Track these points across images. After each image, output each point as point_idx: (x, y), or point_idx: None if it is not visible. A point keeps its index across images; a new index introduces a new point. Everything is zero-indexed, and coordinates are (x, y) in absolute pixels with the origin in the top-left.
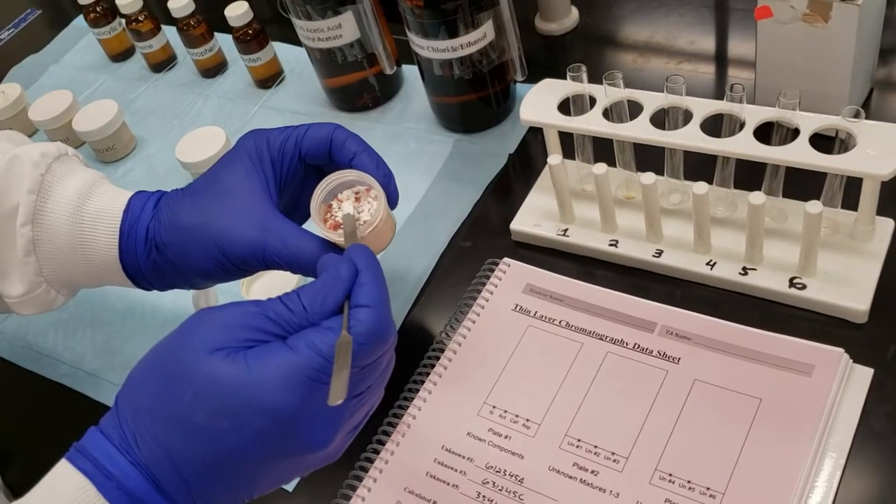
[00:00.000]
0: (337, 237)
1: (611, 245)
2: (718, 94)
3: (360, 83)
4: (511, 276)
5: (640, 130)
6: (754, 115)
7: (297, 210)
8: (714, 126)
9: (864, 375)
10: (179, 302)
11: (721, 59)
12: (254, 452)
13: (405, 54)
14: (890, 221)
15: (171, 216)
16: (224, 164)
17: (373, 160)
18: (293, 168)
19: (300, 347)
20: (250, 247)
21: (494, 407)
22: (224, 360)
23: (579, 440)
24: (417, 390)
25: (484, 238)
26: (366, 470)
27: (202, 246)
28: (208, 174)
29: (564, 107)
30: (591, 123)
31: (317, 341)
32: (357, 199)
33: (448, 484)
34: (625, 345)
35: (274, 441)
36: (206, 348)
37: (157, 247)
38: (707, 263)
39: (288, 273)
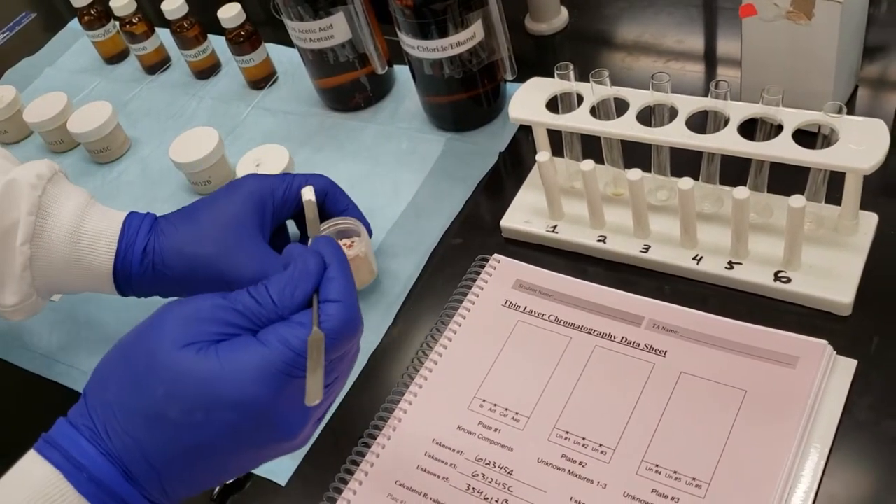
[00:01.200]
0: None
1: (599, 241)
2: (706, 92)
3: (352, 83)
4: (501, 272)
5: (627, 127)
6: (738, 111)
7: (276, 246)
8: (699, 123)
9: (847, 367)
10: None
11: (709, 58)
12: (227, 444)
13: (396, 54)
14: (873, 215)
15: (174, 242)
16: (229, 199)
17: (358, 211)
18: (287, 213)
19: (272, 342)
20: (254, 280)
21: (484, 401)
22: (195, 355)
23: (567, 432)
24: (408, 385)
25: (475, 235)
26: (357, 464)
27: (208, 274)
28: (212, 205)
29: (553, 105)
30: (579, 121)
31: (288, 336)
32: (348, 247)
33: (438, 477)
34: (612, 338)
35: (247, 433)
36: (176, 343)
37: (155, 265)
38: (693, 258)
39: None
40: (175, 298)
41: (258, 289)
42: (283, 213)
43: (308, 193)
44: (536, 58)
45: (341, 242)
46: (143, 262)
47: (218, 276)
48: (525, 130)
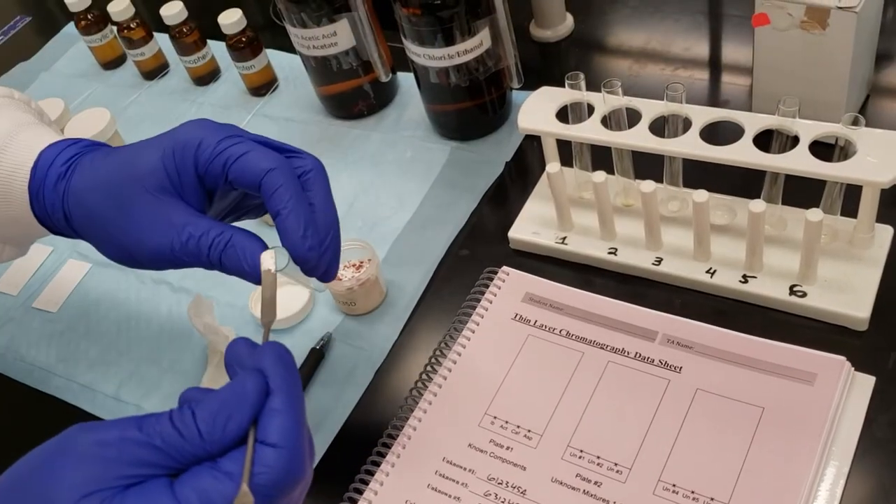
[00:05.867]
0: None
1: (610, 253)
2: (714, 101)
3: (355, 91)
4: (510, 284)
5: (640, 139)
6: (754, 122)
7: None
8: (712, 133)
9: (865, 383)
10: (174, 312)
11: (716, 66)
12: None
13: (400, 61)
14: (889, 228)
15: (81, 185)
16: (146, 143)
17: (299, 225)
18: (220, 184)
19: (189, 498)
20: (154, 254)
21: (496, 417)
22: None
23: (582, 451)
24: (417, 401)
25: (481, 246)
26: (366, 482)
27: (106, 235)
28: (127, 156)
29: (562, 114)
30: (591, 132)
31: (211, 492)
32: (358, 268)
33: (450, 496)
34: (626, 354)
35: None
36: (74, 492)
37: (67, 217)
38: (707, 271)
39: (299, 286)
40: (83, 423)
41: (183, 415)
42: (210, 179)
43: (267, 260)
44: (541, 65)
45: (350, 265)
46: (55, 207)
47: (116, 241)
48: (531, 139)
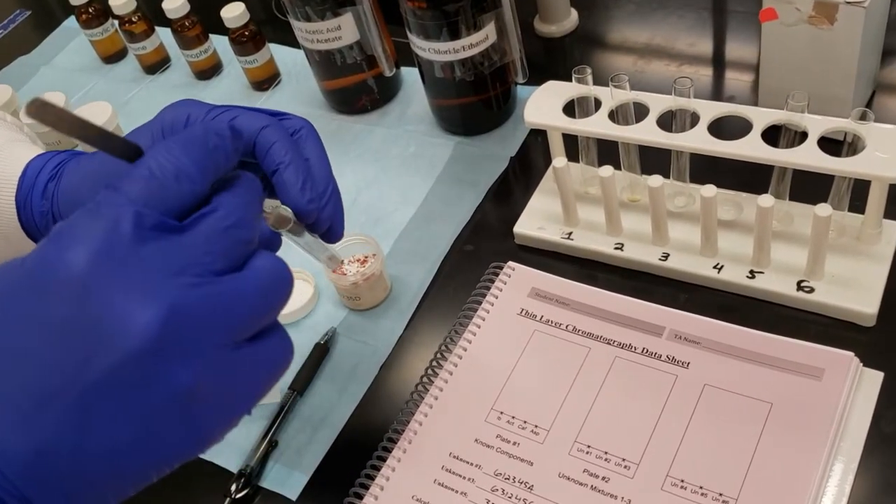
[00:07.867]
0: (341, 281)
1: (616, 248)
2: (718, 97)
3: (358, 85)
4: (516, 279)
5: (648, 133)
6: (763, 117)
7: None
8: (719, 129)
9: (874, 379)
10: None
11: (721, 62)
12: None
13: (404, 56)
14: None
15: (73, 184)
16: (135, 138)
17: (297, 178)
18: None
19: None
20: None
21: (502, 413)
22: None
23: (589, 446)
24: (423, 396)
25: (486, 241)
26: (372, 478)
27: None
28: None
29: (568, 110)
30: (598, 126)
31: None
32: (362, 263)
33: (456, 491)
34: (633, 349)
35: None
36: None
37: (55, 216)
38: (714, 267)
39: (302, 286)
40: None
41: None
42: None
43: (351, 269)
44: (546, 60)
45: (355, 260)
46: (43, 212)
47: None
48: (535, 134)
